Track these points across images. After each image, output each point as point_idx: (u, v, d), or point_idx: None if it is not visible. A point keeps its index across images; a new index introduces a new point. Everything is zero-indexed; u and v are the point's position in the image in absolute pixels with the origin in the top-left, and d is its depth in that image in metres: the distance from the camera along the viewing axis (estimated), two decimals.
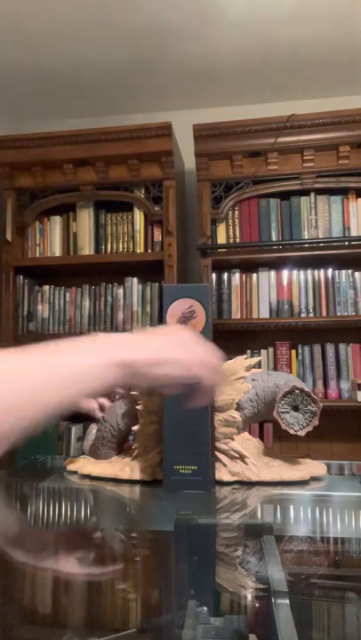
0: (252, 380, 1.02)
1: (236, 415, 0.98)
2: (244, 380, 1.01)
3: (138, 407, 1.01)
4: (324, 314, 2.22)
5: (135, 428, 1.02)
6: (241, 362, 1.04)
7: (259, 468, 0.97)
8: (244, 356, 1.07)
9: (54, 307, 2.41)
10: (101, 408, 1.06)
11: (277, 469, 0.98)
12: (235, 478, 0.97)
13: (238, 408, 1.00)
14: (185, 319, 0.95)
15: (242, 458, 0.98)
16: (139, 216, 2.35)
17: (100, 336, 0.51)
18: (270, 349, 2.31)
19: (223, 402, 0.99)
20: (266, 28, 2.12)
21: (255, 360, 1.06)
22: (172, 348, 0.52)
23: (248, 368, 1.03)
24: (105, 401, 1.06)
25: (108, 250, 2.38)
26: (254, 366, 1.06)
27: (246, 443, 1.02)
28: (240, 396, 1.00)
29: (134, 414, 1.03)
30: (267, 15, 2.04)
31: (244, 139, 2.21)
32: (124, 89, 2.54)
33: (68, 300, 2.41)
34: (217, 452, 0.99)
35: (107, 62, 2.34)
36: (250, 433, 1.07)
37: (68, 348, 0.48)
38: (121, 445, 1.10)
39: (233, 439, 0.99)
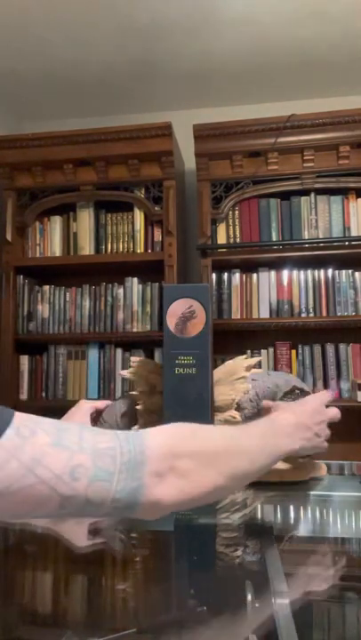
0: (252, 380, 1.02)
1: (236, 415, 0.98)
2: (244, 379, 1.01)
3: (137, 407, 1.00)
4: (324, 314, 2.22)
5: (135, 427, 1.02)
6: (241, 362, 1.04)
7: None
8: (244, 355, 1.07)
9: (54, 307, 2.41)
10: (98, 412, 1.05)
11: (277, 470, 0.98)
12: None
13: (238, 408, 1.00)
14: (185, 319, 0.95)
15: None
16: (139, 216, 2.35)
17: (286, 423, 0.72)
18: (270, 349, 2.31)
19: (223, 402, 0.99)
20: (266, 29, 2.12)
21: (255, 360, 1.06)
22: (319, 437, 0.77)
23: (248, 368, 1.03)
24: (100, 404, 1.05)
25: (108, 250, 2.38)
26: (255, 366, 1.06)
27: None
28: (240, 395, 1.00)
29: (134, 414, 1.03)
30: (267, 15, 2.04)
31: (244, 139, 2.21)
32: (124, 89, 2.54)
33: (68, 299, 2.41)
34: None
35: (107, 62, 2.34)
36: None
37: (272, 435, 0.69)
38: None
39: None
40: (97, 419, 1.07)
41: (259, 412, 1.02)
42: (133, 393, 1.02)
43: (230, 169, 2.25)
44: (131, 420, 1.04)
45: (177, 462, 0.53)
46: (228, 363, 1.03)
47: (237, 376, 1.01)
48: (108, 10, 2.00)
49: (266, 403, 0.90)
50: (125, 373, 1.05)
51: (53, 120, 2.74)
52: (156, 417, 0.99)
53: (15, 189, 2.40)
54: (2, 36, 2.16)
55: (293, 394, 0.96)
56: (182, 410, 0.93)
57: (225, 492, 0.62)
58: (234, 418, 0.98)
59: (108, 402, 1.06)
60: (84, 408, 1.01)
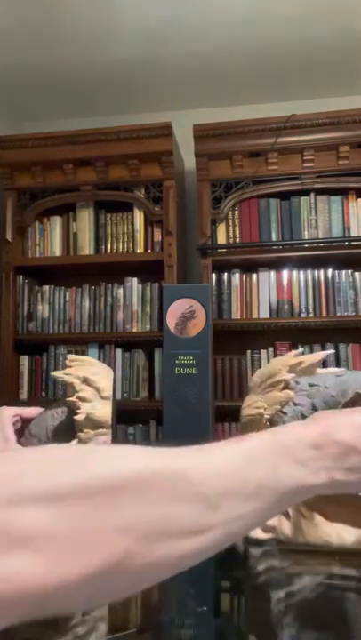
0: (310, 385, 0.69)
1: None
2: (284, 384, 0.69)
3: (77, 417, 0.81)
4: (324, 314, 2.22)
5: (74, 442, 0.80)
6: (286, 360, 0.72)
7: (306, 523, 0.65)
8: (297, 351, 0.74)
9: (54, 307, 2.41)
10: (24, 421, 0.86)
11: (336, 527, 0.63)
12: (268, 535, 0.65)
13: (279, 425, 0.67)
14: (185, 319, 0.95)
15: None
16: (139, 216, 2.35)
17: (298, 441, 0.41)
18: (270, 350, 2.31)
19: (248, 417, 0.71)
20: (266, 29, 2.11)
21: (316, 358, 0.72)
22: None
23: (293, 368, 0.70)
24: (28, 411, 0.87)
25: (108, 250, 2.38)
26: (320, 365, 0.74)
27: None
28: (274, 408, 0.67)
29: (71, 426, 0.83)
30: (266, 15, 2.04)
31: (244, 139, 2.21)
32: (124, 89, 2.54)
33: (68, 300, 2.41)
34: None
35: (107, 62, 2.34)
36: None
37: (271, 457, 0.40)
38: None
39: None
40: (22, 430, 0.86)
41: None
42: (71, 399, 0.82)
43: (230, 169, 2.25)
44: (68, 433, 0.83)
45: (22, 513, 0.28)
46: (273, 361, 0.75)
47: (274, 380, 0.69)
48: (109, 10, 2.00)
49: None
50: (60, 375, 0.86)
51: (53, 120, 2.74)
52: (103, 429, 0.81)
53: (15, 189, 2.40)
54: (2, 36, 2.16)
55: (358, 404, 0.62)
56: (182, 410, 0.93)
57: (156, 573, 0.33)
58: None
59: (38, 409, 0.87)
60: (4, 415, 0.82)
